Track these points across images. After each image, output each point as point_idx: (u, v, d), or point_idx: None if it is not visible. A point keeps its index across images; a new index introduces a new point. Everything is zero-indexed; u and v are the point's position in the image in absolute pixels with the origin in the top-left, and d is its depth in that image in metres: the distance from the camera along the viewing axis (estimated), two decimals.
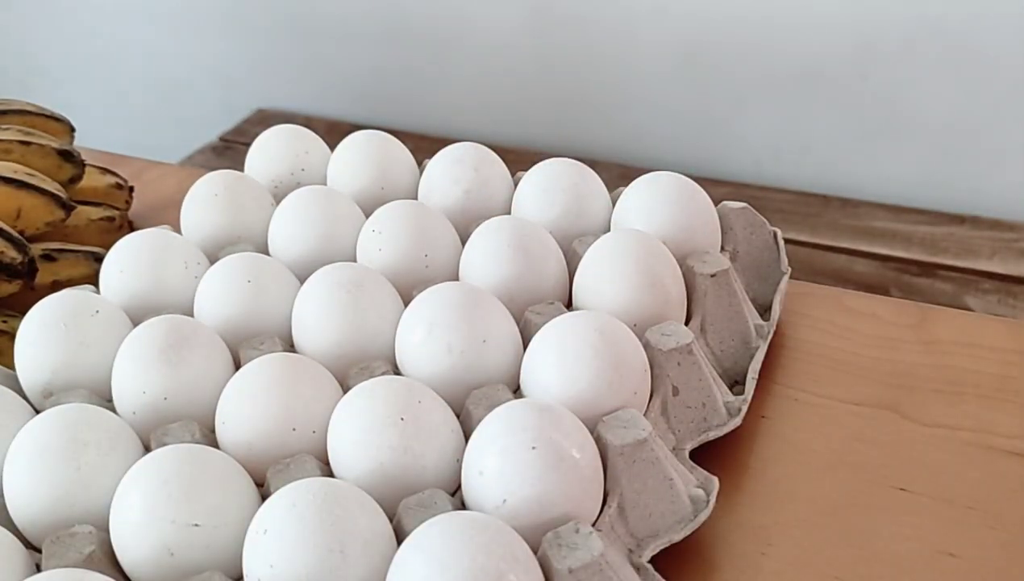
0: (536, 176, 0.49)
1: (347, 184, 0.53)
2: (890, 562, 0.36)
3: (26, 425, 0.36)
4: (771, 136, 1.24)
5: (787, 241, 0.49)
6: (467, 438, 0.36)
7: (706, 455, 0.40)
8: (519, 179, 0.51)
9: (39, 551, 0.34)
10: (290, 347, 0.43)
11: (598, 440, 0.35)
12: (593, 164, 0.51)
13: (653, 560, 0.35)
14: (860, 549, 0.36)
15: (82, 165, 0.58)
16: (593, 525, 0.32)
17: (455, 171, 0.51)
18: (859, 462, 0.40)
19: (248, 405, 0.38)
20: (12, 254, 0.48)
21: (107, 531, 0.34)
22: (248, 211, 0.51)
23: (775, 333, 0.47)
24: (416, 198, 0.53)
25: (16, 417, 0.38)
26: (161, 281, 0.46)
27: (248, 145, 0.56)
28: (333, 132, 0.60)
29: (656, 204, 0.46)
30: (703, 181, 0.48)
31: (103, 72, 1.69)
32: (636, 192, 0.47)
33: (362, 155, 0.53)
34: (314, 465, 0.36)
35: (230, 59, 1.59)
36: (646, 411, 0.39)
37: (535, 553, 0.31)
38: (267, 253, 0.49)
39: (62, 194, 0.53)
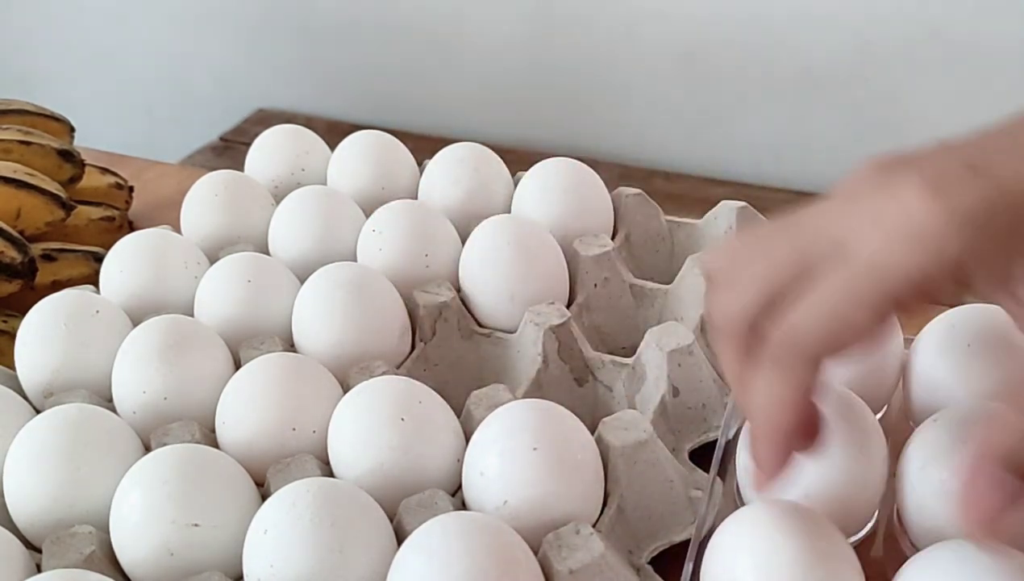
0: (536, 176, 0.49)
1: (347, 184, 0.53)
2: None
3: (26, 425, 0.36)
4: (771, 136, 1.24)
5: None
6: (468, 438, 0.36)
7: (706, 455, 0.40)
8: (519, 179, 0.51)
9: (39, 551, 0.34)
10: (290, 347, 0.43)
11: (599, 441, 0.35)
12: (593, 164, 0.51)
13: (653, 560, 0.35)
14: None
15: (82, 165, 0.58)
16: (593, 526, 0.32)
17: (455, 171, 0.51)
18: None
19: (248, 405, 0.38)
20: (12, 254, 0.48)
21: (107, 531, 0.34)
22: (248, 211, 0.51)
23: None
24: (416, 198, 0.53)
25: (16, 417, 0.38)
26: (161, 281, 0.45)
27: (248, 145, 0.56)
28: (333, 132, 0.60)
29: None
30: (703, 181, 0.48)
31: (103, 72, 1.68)
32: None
33: (362, 155, 0.53)
34: (314, 465, 0.36)
35: (230, 59, 1.59)
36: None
37: (536, 554, 0.31)
38: (267, 253, 0.49)
39: (62, 194, 0.53)
